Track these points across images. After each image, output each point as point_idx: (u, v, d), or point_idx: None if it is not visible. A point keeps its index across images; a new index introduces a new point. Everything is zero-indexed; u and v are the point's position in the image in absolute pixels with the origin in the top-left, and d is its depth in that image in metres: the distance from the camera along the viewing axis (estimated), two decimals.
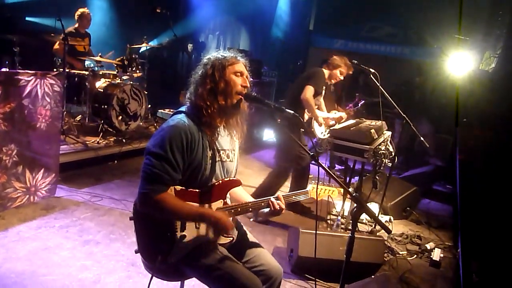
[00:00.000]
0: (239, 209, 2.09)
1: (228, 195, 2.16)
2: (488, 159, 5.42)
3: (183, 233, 1.98)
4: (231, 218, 2.02)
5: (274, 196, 2.15)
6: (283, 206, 2.14)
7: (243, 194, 2.29)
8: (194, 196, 1.99)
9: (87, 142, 5.33)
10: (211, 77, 2.00)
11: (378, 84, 4.40)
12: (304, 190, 2.31)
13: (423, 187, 5.79)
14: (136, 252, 2.04)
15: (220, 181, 2.08)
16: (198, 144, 1.96)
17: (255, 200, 2.18)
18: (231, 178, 2.14)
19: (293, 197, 2.28)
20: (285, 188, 4.86)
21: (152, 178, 1.84)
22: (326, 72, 4.73)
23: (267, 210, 2.16)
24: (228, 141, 2.17)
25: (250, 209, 2.16)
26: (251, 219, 2.25)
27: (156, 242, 1.96)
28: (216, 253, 2.02)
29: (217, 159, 2.07)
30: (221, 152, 2.11)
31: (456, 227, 4.98)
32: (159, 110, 7.59)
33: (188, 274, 2.07)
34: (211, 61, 2.04)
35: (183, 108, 2.07)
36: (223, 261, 2.00)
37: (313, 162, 1.92)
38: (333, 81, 4.82)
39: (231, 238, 2.14)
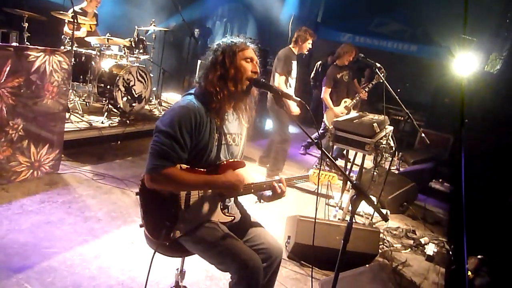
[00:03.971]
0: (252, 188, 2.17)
1: None
2: (491, 160, 5.47)
3: (187, 209, 2.04)
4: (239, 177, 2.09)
5: (277, 179, 2.20)
6: (285, 189, 2.19)
7: (246, 175, 2.30)
8: (200, 174, 2.05)
9: (91, 121, 5.38)
10: (222, 63, 2.02)
11: (383, 79, 4.44)
12: (305, 174, 2.37)
13: (421, 183, 5.85)
14: (140, 226, 2.10)
15: (225, 162, 2.13)
16: (206, 126, 2.00)
17: (258, 182, 2.23)
18: (235, 160, 2.19)
19: (294, 181, 2.35)
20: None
21: (160, 154, 1.89)
22: (294, 49, 5.34)
23: (269, 193, 2.22)
24: (236, 125, 2.21)
25: (252, 190, 2.21)
26: (255, 202, 2.31)
27: (161, 217, 2.02)
28: (217, 230, 2.09)
29: (222, 142, 2.11)
30: (228, 136, 2.15)
31: (453, 225, 5.05)
32: (164, 94, 7.62)
33: (190, 250, 2.13)
34: (221, 47, 2.06)
35: (192, 91, 2.10)
36: (224, 238, 2.06)
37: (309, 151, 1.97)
38: (305, 52, 5.46)
39: (233, 217, 2.21)
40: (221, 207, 2.18)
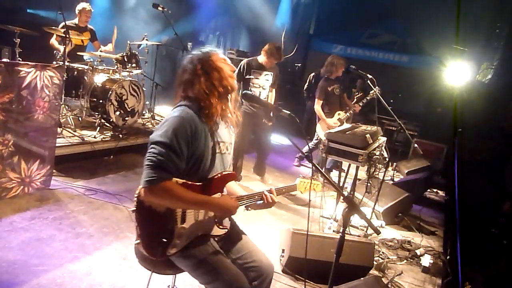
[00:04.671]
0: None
1: (224, 189, 2.23)
2: (485, 168, 5.49)
3: (183, 225, 2.03)
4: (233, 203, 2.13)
5: (267, 190, 2.25)
6: (275, 199, 2.25)
7: (235, 187, 2.35)
8: (195, 189, 2.04)
9: (84, 136, 5.34)
10: (203, 70, 2.08)
11: (375, 90, 4.46)
12: (293, 184, 2.45)
13: (415, 193, 5.84)
14: (137, 244, 2.07)
15: (219, 175, 2.14)
16: (201, 134, 2.02)
17: (249, 193, 2.26)
18: (228, 172, 2.21)
19: (283, 190, 2.40)
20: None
21: (157, 165, 1.86)
22: (262, 58, 5.35)
23: (260, 202, 2.26)
24: (226, 133, 2.25)
25: (244, 202, 2.23)
26: (243, 210, 2.32)
27: (158, 234, 1.99)
28: (208, 247, 2.08)
29: (217, 151, 2.13)
30: (221, 144, 2.18)
31: (448, 235, 5.03)
32: (157, 107, 7.61)
33: (180, 267, 2.11)
34: (195, 57, 2.12)
35: (182, 103, 2.10)
36: (212, 255, 2.06)
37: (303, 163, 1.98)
38: (275, 63, 5.40)
39: (226, 229, 2.21)
40: (217, 221, 2.19)
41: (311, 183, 2.39)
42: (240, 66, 5.30)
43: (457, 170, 5.22)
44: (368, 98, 5.71)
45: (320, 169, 2.02)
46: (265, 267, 2.19)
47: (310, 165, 2.04)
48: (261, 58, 5.36)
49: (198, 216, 2.08)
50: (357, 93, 7.99)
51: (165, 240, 1.98)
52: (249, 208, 2.30)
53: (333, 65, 6.04)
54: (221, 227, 2.19)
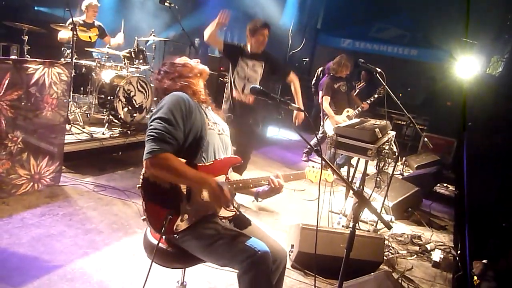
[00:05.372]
0: (240, 184, 2.20)
1: (230, 172, 2.26)
2: (495, 163, 5.42)
3: (189, 202, 2.07)
4: (230, 194, 2.11)
5: (273, 175, 2.25)
6: (283, 183, 2.24)
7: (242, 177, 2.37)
8: (198, 168, 2.10)
9: (92, 133, 5.36)
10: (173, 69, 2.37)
11: (384, 83, 4.41)
12: (301, 171, 2.45)
13: (425, 188, 5.79)
14: (143, 220, 2.08)
15: (222, 157, 2.21)
16: (195, 109, 2.15)
17: (255, 177, 2.26)
18: (232, 156, 2.28)
19: (291, 177, 2.37)
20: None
21: (156, 138, 1.96)
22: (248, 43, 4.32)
23: (266, 188, 2.25)
24: (217, 117, 2.40)
25: (251, 185, 2.24)
26: (253, 201, 2.31)
27: (163, 208, 2.03)
28: (218, 224, 2.11)
29: (213, 128, 2.22)
30: (216, 125, 2.28)
31: (458, 229, 4.99)
32: None
33: (191, 250, 2.11)
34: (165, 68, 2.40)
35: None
36: (225, 230, 2.09)
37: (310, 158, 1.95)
38: (261, 49, 4.32)
39: (234, 212, 2.23)
40: None
41: (321, 171, 2.36)
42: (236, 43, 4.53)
43: (466, 164, 5.18)
44: (376, 96, 5.68)
45: (329, 163, 1.99)
46: (278, 252, 2.18)
47: (319, 160, 2.00)
48: (248, 44, 4.35)
49: (203, 195, 2.10)
50: (358, 82, 7.94)
51: (170, 215, 2.00)
52: (259, 199, 2.29)
53: (339, 65, 5.99)
54: (228, 209, 2.20)
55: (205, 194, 2.10)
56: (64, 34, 5.84)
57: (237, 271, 1.99)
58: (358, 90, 6.58)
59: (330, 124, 6.03)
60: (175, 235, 2.08)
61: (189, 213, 2.07)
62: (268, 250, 2.01)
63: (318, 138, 6.39)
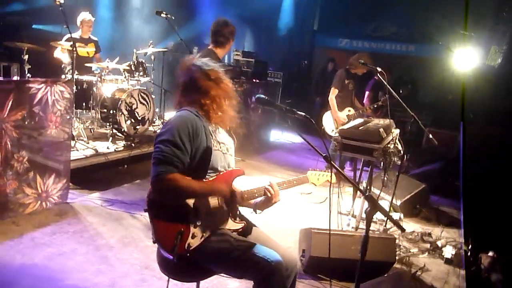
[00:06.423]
0: (245, 195, 2.25)
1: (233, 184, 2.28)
2: (495, 155, 5.41)
3: (198, 219, 2.08)
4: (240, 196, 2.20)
5: (267, 184, 2.26)
6: (277, 188, 2.25)
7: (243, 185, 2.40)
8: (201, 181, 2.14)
9: (97, 147, 5.38)
10: (202, 77, 2.24)
11: (386, 83, 4.41)
12: (304, 175, 2.48)
13: (431, 184, 5.77)
14: (154, 242, 2.08)
15: (225, 171, 2.23)
16: (201, 131, 2.13)
17: (249, 189, 2.29)
18: (236, 168, 2.30)
19: (294, 183, 2.41)
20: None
21: (162, 161, 1.96)
22: (215, 50, 4.28)
23: (263, 199, 2.27)
24: (226, 136, 2.36)
25: (256, 194, 2.28)
26: (251, 212, 2.33)
27: (173, 228, 2.03)
28: (229, 237, 2.13)
29: (218, 149, 2.22)
30: (222, 144, 2.27)
31: (467, 224, 4.97)
32: (167, 113, 7.63)
33: (205, 265, 2.11)
34: (195, 68, 2.27)
35: (183, 108, 2.22)
36: (237, 241, 2.10)
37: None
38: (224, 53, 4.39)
39: (243, 224, 2.25)
40: (230, 215, 2.23)
41: (330, 174, 2.38)
42: None
43: (465, 156, 5.17)
44: (379, 103, 5.69)
45: (339, 169, 2.00)
46: (288, 261, 2.17)
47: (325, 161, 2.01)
48: (214, 48, 4.28)
49: (210, 208, 2.12)
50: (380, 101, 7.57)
51: (180, 235, 2.01)
52: (257, 211, 2.30)
53: (357, 61, 5.82)
54: (236, 221, 2.24)
55: (212, 202, 2.12)
56: (59, 53, 5.88)
57: (253, 282, 2.00)
58: (374, 106, 6.36)
59: (329, 117, 5.99)
60: (187, 254, 2.07)
61: (199, 229, 2.07)
62: (280, 259, 2.02)
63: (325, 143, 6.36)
